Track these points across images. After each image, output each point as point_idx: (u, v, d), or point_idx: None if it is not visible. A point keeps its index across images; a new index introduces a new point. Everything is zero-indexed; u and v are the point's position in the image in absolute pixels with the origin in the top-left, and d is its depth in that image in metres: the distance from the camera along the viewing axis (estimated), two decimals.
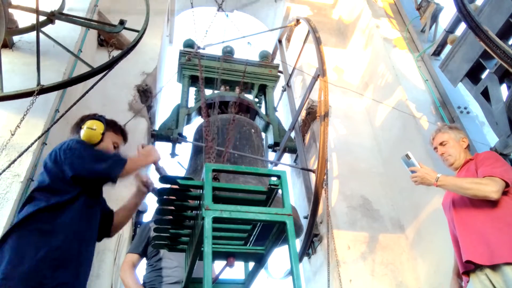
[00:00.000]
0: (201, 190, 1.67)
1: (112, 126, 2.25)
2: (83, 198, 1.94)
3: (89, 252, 1.97)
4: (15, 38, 3.64)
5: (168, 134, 4.37)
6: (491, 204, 2.16)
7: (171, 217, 1.80)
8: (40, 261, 1.67)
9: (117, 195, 3.51)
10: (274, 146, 4.70)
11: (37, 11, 3.06)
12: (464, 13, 2.65)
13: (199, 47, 4.62)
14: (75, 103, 2.95)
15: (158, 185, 1.75)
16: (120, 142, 2.28)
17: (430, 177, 2.27)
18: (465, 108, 4.00)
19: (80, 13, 3.95)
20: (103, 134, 2.13)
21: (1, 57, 3.11)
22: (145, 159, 2.16)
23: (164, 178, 1.71)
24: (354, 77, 5.49)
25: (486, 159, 2.33)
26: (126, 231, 3.43)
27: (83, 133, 2.10)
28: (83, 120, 2.18)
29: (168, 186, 1.72)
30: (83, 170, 1.93)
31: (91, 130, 2.10)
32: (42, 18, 3.30)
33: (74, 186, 1.91)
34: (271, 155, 4.89)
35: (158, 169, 2.23)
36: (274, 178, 1.70)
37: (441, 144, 2.56)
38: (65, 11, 3.53)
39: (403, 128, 4.18)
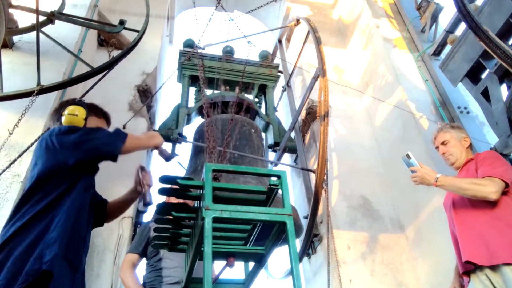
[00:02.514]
0: (201, 190, 1.67)
1: (93, 110, 2.14)
2: (82, 180, 1.88)
3: (89, 234, 1.96)
4: (15, 38, 3.64)
5: (168, 134, 4.37)
6: (491, 204, 2.16)
7: (171, 217, 1.80)
8: (64, 243, 1.67)
9: (116, 193, 3.52)
10: (274, 146, 4.69)
11: (37, 11, 3.06)
12: (464, 13, 2.65)
13: (198, 47, 4.61)
14: None
15: (156, 192, 1.73)
16: (104, 126, 2.19)
17: (429, 177, 2.27)
18: (465, 108, 4.00)
19: (80, 13, 3.95)
20: (85, 119, 2.03)
21: (1, 57, 3.11)
22: (147, 140, 2.11)
23: (164, 178, 1.71)
24: (354, 77, 5.49)
25: (486, 159, 2.33)
26: (126, 231, 3.42)
27: (64, 119, 1.99)
28: (62, 106, 2.07)
29: (168, 186, 1.72)
30: (84, 152, 1.85)
31: (73, 116, 1.99)
32: (42, 18, 3.30)
33: (73, 171, 1.84)
34: (271, 155, 4.89)
35: (161, 152, 2.19)
36: (274, 178, 1.70)
37: (442, 143, 2.56)
38: (65, 11, 3.53)
39: (403, 128, 4.18)
